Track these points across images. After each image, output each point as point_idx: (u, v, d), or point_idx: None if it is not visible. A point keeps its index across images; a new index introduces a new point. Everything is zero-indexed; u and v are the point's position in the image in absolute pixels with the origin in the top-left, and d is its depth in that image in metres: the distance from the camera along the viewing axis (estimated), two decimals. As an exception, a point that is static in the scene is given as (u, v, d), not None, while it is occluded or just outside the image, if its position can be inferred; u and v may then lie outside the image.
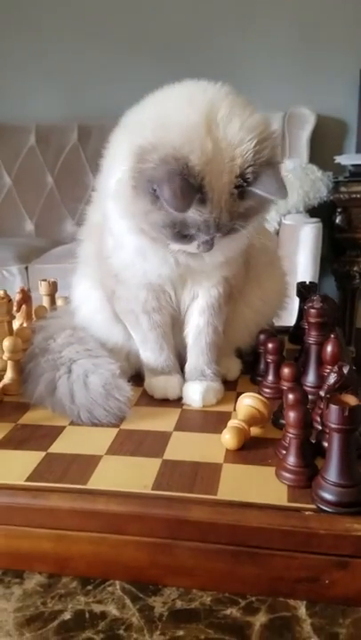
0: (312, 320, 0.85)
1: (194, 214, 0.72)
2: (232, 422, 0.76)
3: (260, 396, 0.79)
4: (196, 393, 0.88)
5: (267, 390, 0.90)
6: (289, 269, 2.35)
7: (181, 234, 0.74)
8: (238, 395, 0.90)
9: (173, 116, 0.73)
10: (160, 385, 0.91)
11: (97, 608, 0.62)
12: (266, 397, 0.89)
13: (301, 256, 2.36)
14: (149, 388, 0.92)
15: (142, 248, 0.80)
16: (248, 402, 0.79)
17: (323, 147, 2.87)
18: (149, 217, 0.74)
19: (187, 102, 0.74)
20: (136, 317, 0.90)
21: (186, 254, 0.79)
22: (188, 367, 0.92)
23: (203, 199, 0.71)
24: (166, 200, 0.69)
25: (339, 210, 2.56)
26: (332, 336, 0.80)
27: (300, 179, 2.54)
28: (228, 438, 0.75)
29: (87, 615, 0.61)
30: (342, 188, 2.54)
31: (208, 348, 0.90)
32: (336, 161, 2.67)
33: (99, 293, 0.94)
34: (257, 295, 0.96)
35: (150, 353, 0.92)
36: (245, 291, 0.94)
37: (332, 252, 2.73)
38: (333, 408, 0.61)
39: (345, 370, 0.71)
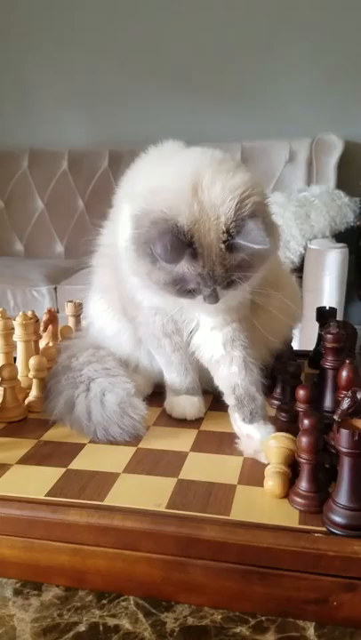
0: (328, 345, 0.87)
1: (189, 269, 0.78)
2: (272, 467, 0.72)
3: (285, 434, 0.76)
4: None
5: (283, 414, 0.92)
6: (314, 294, 2.38)
7: (184, 289, 0.80)
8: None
9: (163, 185, 0.81)
10: (180, 404, 0.93)
11: (111, 621, 0.64)
12: (282, 421, 0.91)
13: (327, 281, 2.37)
14: (169, 406, 0.94)
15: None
16: (275, 443, 0.75)
17: (350, 172, 2.89)
18: (152, 277, 0.80)
19: (175, 173, 0.81)
20: (158, 341, 0.93)
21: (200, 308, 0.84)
22: (232, 386, 0.87)
23: (194, 254, 0.77)
24: (159, 255, 0.76)
25: (365, 235, 2.58)
26: (348, 361, 0.81)
27: (327, 204, 2.56)
28: (272, 485, 0.70)
29: (101, 628, 0.63)
30: (369, 214, 2.55)
31: (245, 363, 0.88)
32: (363, 187, 2.69)
33: (109, 308, 0.99)
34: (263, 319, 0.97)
35: (176, 375, 0.95)
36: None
37: (360, 277, 2.73)
38: (344, 432, 0.62)
39: (358, 395, 0.73)
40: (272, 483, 0.70)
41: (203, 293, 0.80)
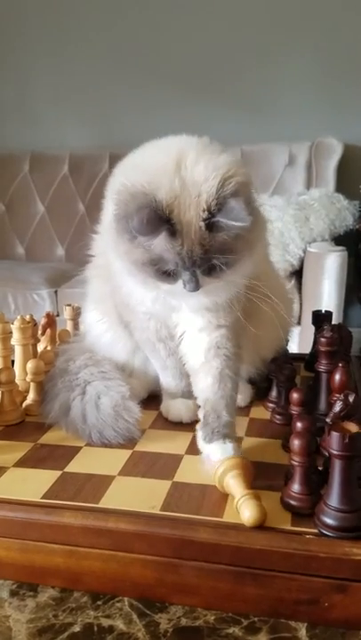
0: (322, 348, 0.87)
1: (167, 247, 0.76)
2: (240, 499, 0.67)
3: (233, 460, 0.72)
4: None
5: (278, 417, 0.92)
6: (313, 297, 2.39)
7: (162, 270, 0.78)
8: (250, 420, 0.94)
9: (146, 161, 0.81)
10: (176, 407, 0.94)
11: (105, 622, 0.64)
12: (278, 424, 0.92)
13: (326, 284, 2.38)
14: (165, 409, 0.95)
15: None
16: (231, 479, 0.71)
17: (350, 176, 2.89)
18: (130, 256, 0.79)
19: (160, 150, 0.82)
20: (153, 345, 0.94)
21: (175, 295, 0.82)
22: (202, 402, 0.86)
23: (173, 231, 0.75)
24: (135, 228, 0.74)
25: (365, 238, 2.58)
26: (340, 365, 0.82)
27: (326, 207, 2.57)
28: (249, 515, 0.65)
29: (96, 629, 0.64)
30: (368, 217, 2.56)
31: (220, 375, 0.86)
32: (362, 190, 2.69)
33: (104, 318, 0.99)
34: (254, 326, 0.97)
35: (171, 379, 0.95)
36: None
37: (359, 280, 2.74)
38: (334, 435, 0.63)
39: (350, 398, 0.74)
40: (249, 512, 0.65)
41: (182, 278, 0.77)
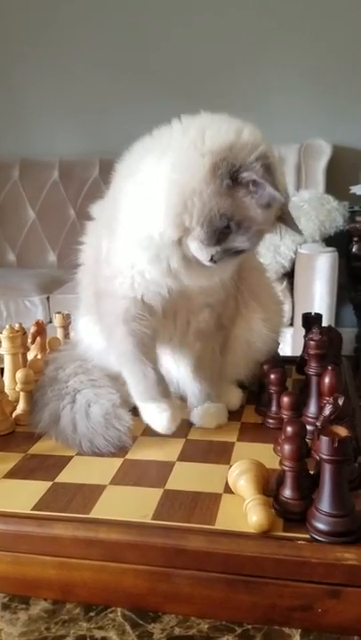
0: (312, 351, 0.87)
1: (259, 211, 0.78)
2: (250, 502, 0.67)
3: (244, 463, 0.72)
4: (211, 416, 0.93)
5: (270, 421, 0.92)
6: (305, 298, 2.39)
7: (224, 227, 0.78)
8: (242, 425, 0.93)
9: (249, 129, 0.84)
10: (148, 414, 0.89)
11: (98, 634, 0.64)
12: (270, 427, 0.92)
13: (318, 285, 2.39)
14: (145, 421, 0.90)
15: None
16: (243, 482, 0.71)
17: (339, 177, 2.90)
18: (215, 200, 0.77)
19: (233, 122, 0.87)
20: (111, 331, 0.89)
21: (184, 264, 0.82)
22: (193, 392, 0.96)
23: (270, 202, 0.79)
24: (270, 183, 0.76)
25: (355, 239, 2.59)
26: (330, 368, 0.82)
27: (316, 208, 2.58)
28: (256, 520, 0.65)
29: (88, 640, 0.63)
30: (358, 218, 2.58)
31: (210, 372, 0.95)
32: (352, 191, 2.70)
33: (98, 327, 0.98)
34: (245, 329, 0.99)
35: (128, 373, 0.89)
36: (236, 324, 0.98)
37: (350, 280, 2.75)
38: (324, 439, 0.63)
39: (340, 401, 0.73)
40: (256, 517, 0.65)
41: (224, 245, 0.78)
